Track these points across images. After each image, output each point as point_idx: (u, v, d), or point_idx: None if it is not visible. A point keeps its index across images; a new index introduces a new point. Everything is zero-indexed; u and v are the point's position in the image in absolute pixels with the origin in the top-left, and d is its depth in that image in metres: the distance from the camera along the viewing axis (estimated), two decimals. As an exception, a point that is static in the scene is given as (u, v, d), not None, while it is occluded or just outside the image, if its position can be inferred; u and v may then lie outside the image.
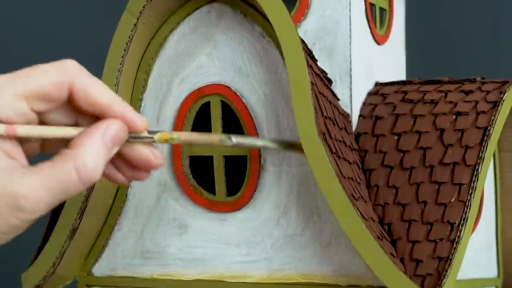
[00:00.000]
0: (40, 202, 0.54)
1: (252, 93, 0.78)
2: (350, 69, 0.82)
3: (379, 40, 0.89)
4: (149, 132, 0.59)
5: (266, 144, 0.67)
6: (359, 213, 0.71)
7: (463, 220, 0.74)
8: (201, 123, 0.80)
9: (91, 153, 0.55)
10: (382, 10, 0.91)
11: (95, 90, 0.57)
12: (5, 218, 0.53)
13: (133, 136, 0.58)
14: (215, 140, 0.62)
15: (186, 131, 0.65)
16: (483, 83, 0.84)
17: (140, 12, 0.78)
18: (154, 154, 0.59)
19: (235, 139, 0.63)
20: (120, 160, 0.59)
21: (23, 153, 0.56)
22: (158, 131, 0.59)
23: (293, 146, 0.70)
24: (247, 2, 0.77)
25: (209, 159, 0.79)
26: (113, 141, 0.56)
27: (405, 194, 0.77)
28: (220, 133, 0.63)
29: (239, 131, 0.78)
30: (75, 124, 0.58)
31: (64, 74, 0.56)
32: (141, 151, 0.59)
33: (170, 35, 0.81)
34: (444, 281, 0.72)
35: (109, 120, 0.57)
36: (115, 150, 0.57)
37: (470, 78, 0.85)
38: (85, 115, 0.58)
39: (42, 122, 0.57)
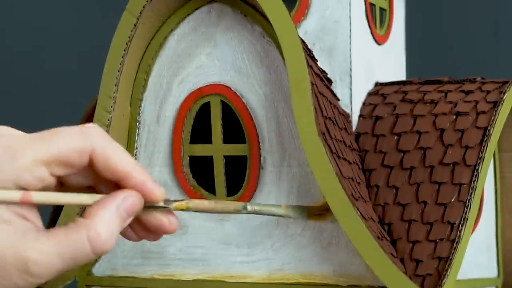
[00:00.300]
0: (49, 268, 0.54)
1: (252, 93, 0.78)
2: (350, 69, 0.82)
3: (379, 40, 0.89)
4: (166, 201, 0.59)
5: (284, 213, 0.67)
6: (359, 213, 0.71)
7: (463, 220, 0.74)
8: (201, 123, 0.80)
9: (105, 224, 0.55)
10: (382, 10, 0.91)
11: (115, 158, 0.56)
12: (12, 280, 0.53)
13: (149, 206, 0.58)
14: (230, 209, 0.62)
15: (202, 199, 0.65)
16: (483, 83, 0.84)
17: (140, 12, 0.78)
18: (170, 220, 0.59)
19: (250, 207, 0.63)
20: (134, 221, 0.59)
21: (39, 215, 0.56)
22: (174, 200, 0.60)
23: (312, 210, 0.70)
24: (247, 2, 0.77)
25: (209, 159, 0.79)
26: (128, 213, 0.56)
27: (405, 194, 0.77)
28: (236, 203, 0.63)
29: (239, 131, 0.78)
30: (94, 186, 0.58)
31: (86, 140, 0.55)
32: (156, 217, 0.59)
33: (170, 35, 0.81)
34: (444, 281, 0.72)
35: (126, 191, 0.56)
36: (129, 221, 0.57)
37: (470, 78, 0.85)
38: (104, 180, 0.57)
39: (60, 183, 0.57)
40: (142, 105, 0.82)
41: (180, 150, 0.80)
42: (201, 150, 0.80)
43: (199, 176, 0.81)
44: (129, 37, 0.78)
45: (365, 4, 0.85)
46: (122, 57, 0.78)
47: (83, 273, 0.84)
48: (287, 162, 0.77)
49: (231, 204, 0.62)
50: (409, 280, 0.71)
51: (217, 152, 0.79)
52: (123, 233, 0.59)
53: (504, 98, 0.80)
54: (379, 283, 0.73)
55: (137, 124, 0.82)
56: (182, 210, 0.60)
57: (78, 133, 0.55)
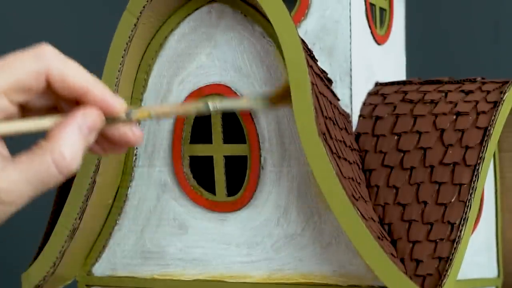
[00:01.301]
0: (20, 195, 0.54)
1: (253, 93, 0.78)
2: (350, 69, 0.82)
3: (379, 40, 0.89)
4: (127, 113, 0.59)
5: (247, 105, 0.65)
6: (359, 213, 0.71)
7: (464, 220, 0.74)
8: (202, 123, 0.80)
9: (68, 144, 0.55)
10: (382, 10, 0.91)
11: (71, 75, 0.56)
12: None
13: (111, 119, 0.58)
14: (191, 109, 0.62)
15: (164, 105, 0.65)
16: (483, 83, 0.84)
17: (140, 12, 0.77)
18: (133, 131, 0.59)
19: (212, 106, 0.61)
20: (99, 136, 0.59)
21: (3, 143, 0.56)
22: (135, 110, 0.60)
23: (274, 96, 0.66)
24: (247, 2, 0.77)
25: (210, 159, 0.79)
26: (90, 130, 0.57)
27: (405, 194, 0.77)
28: (197, 103, 0.63)
29: (240, 131, 0.78)
30: (56, 107, 0.58)
31: (40, 62, 0.55)
32: (120, 130, 0.59)
33: (170, 35, 0.81)
34: (444, 281, 0.72)
35: (85, 108, 0.57)
36: (92, 137, 0.57)
37: (470, 78, 0.85)
38: (65, 99, 0.58)
39: (22, 109, 0.57)
40: (142, 105, 0.82)
41: (180, 150, 0.80)
42: (201, 150, 0.80)
43: (199, 176, 0.81)
44: (129, 37, 0.78)
45: (365, 4, 0.85)
46: (122, 57, 0.78)
47: (83, 273, 0.84)
48: (287, 162, 0.77)
49: (193, 105, 0.62)
50: (410, 280, 0.71)
51: (217, 152, 0.79)
52: (90, 149, 0.59)
53: (504, 98, 0.80)
54: (379, 283, 0.73)
55: (138, 124, 0.82)
56: (144, 119, 0.60)
57: (31, 57, 0.55)
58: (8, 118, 0.56)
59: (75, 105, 0.57)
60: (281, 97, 0.63)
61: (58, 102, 0.58)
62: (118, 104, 0.58)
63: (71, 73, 0.56)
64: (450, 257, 0.73)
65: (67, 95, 0.56)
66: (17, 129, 0.56)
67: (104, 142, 0.59)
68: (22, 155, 0.55)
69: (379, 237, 0.73)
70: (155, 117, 0.60)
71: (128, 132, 0.59)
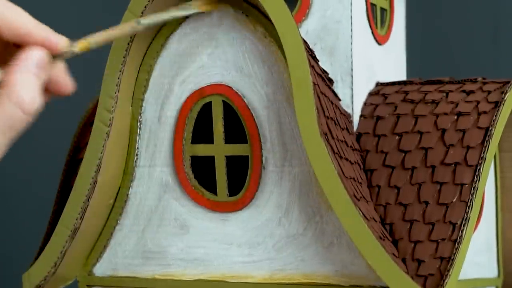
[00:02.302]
0: None
1: (254, 93, 0.78)
2: (351, 69, 0.82)
3: (380, 40, 0.89)
4: (70, 47, 0.60)
5: (174, 15, 0.67)
6: (361, 213, 0.71)
7: (465, 220, 0.75)
8: (203, 124, 0.80)
9: (24, 86, 0.56)
10: (383, 10, 0.91)
11: (13, 18, 0.57)
12: None
13: (55, 56, 0.59)
14: (127, 29, 0.63)
15: (101, 34, 0.66)
16: (484, 83, 0.84)
17: (142, 12, 0.77)
18: (65, 80, 0.60)
19: (143, 21, 0.64)
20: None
21: None
22: (75, 44, 0.60)
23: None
24: (249, 2, 0.77)
25: (211, 159, 0.79)
26: (40, 67, 0.58)
27: (406, 194, 0.77)
28: (129, 23, 0.64)
29: (241, 131, 0.78)
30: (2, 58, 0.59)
31: None
32: (54, 76, 0.59)
33: (172, 35, 0.81)
34: (446, 281, 0.72)
35: (31, 49, 0.57)
36: (43, 74, 0.58)
37: (471, 78, 0.85)
38: (7, 46, 0.58)
39: None
40: (144, 105, 0.82)
41: (181, 150, 0.80)
42: (202, 150, 0.80)
43: (200, 176, 0.81)
44: (130, 37, 0.78)
45: (366, 4, 0.86)
46: (124, 57, 0.78)
47: (84, 273, 0.84)
48: (289, 162, 0.77)
49: (126, 26, 0.63)
50: (411, 280, 0.71)
51: (219, 152, 0.79)
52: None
53: (505, 98, 0.80)
54: (381, 283, 0.73)
55: (139, 124, 0.82)
56: (86, 49, 0.61)
57: None
58: None
59: (16, 50, 0.58)
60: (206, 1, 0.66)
61: (7, 49, 0.58)
62: (62, 41, 0.59)
63: (13, 15, 0.57)
64: (452, 257, 0.73)
65: (10, 37, 0.57)
66: None
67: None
68: None
69: (380, 237, 0.73)
70: (95, 44, 0.62)
71: (61, 79, 0.60)
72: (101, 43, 0.63)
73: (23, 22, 0.58)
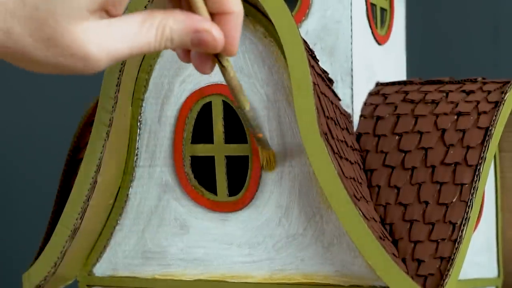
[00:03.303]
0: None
1: (254, 93, 0.78)
2: (351, 69, 0.82)
3: (380, 40, 0.89)
4: None
5: None
6: (361, 213, 0.71)
7: (465, 220, 0.75)
8: (203, 123, 0.80)
9: (176, 27, 0.55)
10: (383, 10, 0.91)
11: None
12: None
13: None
14: (241, 99, 0.64)
15: None
16: (484, 83, 0.84)
17: (142, 12, 0.77)
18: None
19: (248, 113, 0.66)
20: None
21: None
22: None
23: None
24: (249, 2, 0.77)
25: (211, 159, 0.79)
26: (200, 42, 0.56)
27: (406, 194, 0.77)
28: (246, 102, 0.65)
29: (241, 131, 0.78)
30: None
31: None
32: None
33: (172, 35, 0.81)
34: (446, 281, 0.72)
35: (215, 27, 0.56)
36: (193, 49, 0.57)
37: (471, 78, 0.85)
38: None
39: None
40: (144, 105, 0.82)
41: (181, 150, 0.80)
42: (202, 150, 0.80)
43: (200, 176, 0.81)
44: (130, 37, 0.78)
45: (366, 4, 0.85)
46: (124, 57, 0.78)
47: (84, 273, 0.84)
48: (289, 162, 0.77)
49: (242, 99, 0.65)
50: (411, 280, 0.71)
51: (219, 152, 0.79)
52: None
53: (505, 98, 0.80)
54: (381, 283, 0.73)
55: (139, 124, 0.82)
56: None
57: None
58: None
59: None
60: None
61: None
62: None
63: None
64: (452, 257, 0.73)
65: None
66: None
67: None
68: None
69: (380, 237, 0.73)
70: (226, 76, 0.62)
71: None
72: (228, 80, 0.63)
73: None
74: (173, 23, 0.55)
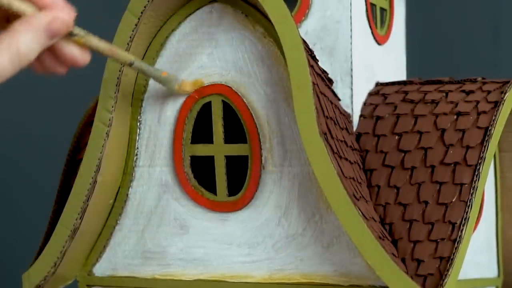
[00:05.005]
0: None
1: (254, 93, 0.78)
2: (351, 69, 0.82)
3: (380, 40, 0.89)
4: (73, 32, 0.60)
5: (160, 79, 0.68)
6: (360, 213, 0.71)
7: (465, 220, 0.75)
8: (203, 123, 0.80)
9: (26, 41, 0.54)
10: (382, 10, 0.91)
11: None
12: None
13: (71, 33, 0.59)
14: (120, 58, 0.63)
15: (103, 41, 0.66)
16: (484, 83, 0.84)
17: (141, 12, 0.78)
18: (83, 53, 0.59)
19: (137, 63, 0.67)
20: (46, 51, 0.58)
21: None
22: (80, 31, 0.60)
23: (184, 84, 0.73)
24: (248, 2, 0.77)
25: (211, 159, 0.79)
26: (52, 33, 0.56)
27: (406, 194, 0.77)
28: (127, 56, 0.65)
29: (241, 131, 0.78)
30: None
31: None
32: (70, 47, 0.58)
33: (171, 35, 0.81)
34: (445, 281, 0.72)
35: (56, 11, 0.56)
36: (52, 42, 0.56)
37: (471, 78, 0.85)
38: None
39: None
40: (143, 105, 0.82)
41: (181, 150, 0.80)
42: (202, 150, 0.80)
43: (200, 176, 0.81)
44: (130, 37, 0.78)
45: (366, 4, 0.86)
46: (123, 57, 0.78)
47: (84, 273, 0.85)
48: (289, 162, 0.77)
49: (122, 56, 0.64)
50: (411, 280, 0.71)
51: (218, 152, 0.79)
52: (30, 65, 0.58)
53: (505, 98, 0.80)
54: (380, 283, 0.73)
55: (138, 124, 0.82)
56: (82, 43, 0.60)
57: None
58: None
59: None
60: (189, 89, 0.67)
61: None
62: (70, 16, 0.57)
63: None
64: (451, 257, 0.73)
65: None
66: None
67: (48, 57, 0.58)
68: None
69: (380, 237, 0.73)
70: (87, 45, 0.61)
71: (77, 51, 0.58)
72: (92, 48, 0.62)
73: None
74: (21, 36, 0.53)
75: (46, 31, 0.55)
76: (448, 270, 0.72)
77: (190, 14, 0.80)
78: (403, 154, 0.79)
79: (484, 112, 0.79)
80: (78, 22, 0.63)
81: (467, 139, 0.78)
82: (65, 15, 0.55)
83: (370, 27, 0.87)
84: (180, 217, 0.81)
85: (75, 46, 0.58)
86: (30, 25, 0.54)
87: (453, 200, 0.76)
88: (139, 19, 0.78)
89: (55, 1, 0.56)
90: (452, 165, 0.77)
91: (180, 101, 0.80)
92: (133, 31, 0.78)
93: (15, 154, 1.40)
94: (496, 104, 0.80)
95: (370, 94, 0.86)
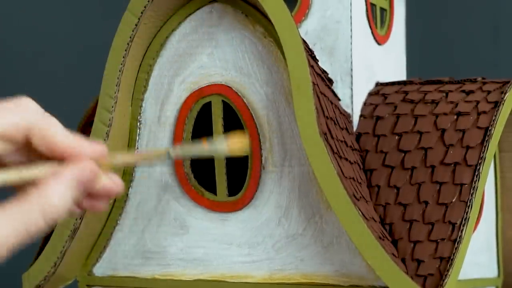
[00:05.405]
0: (7, 245, 0.51)
1: (254, 93, 0.78)
2: (351, 69, 0.82)
3: (380, 40, 0.89)
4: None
5: (208, 151, 0.64)
6: (360, 213, 0.71)
7: (465, 220, 0.75)
8: (203, 123, 0.80)
9: (57, 196, 0.53)
10: (382, 10, 0.91)
11: (54, 133, 0.54)
12: None
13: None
14: (153, 157, 0.61)
15: (129, 154, 0.63)
16: (484, 83, 0.84)
17: (142, 12, 0.78)
18: (114, 181, 0.58)
19: (173, 152, 0.61)
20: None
21: None
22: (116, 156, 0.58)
23: (232, 141, 0.66)
24: (248, 2, 0.77)
25: (211, 159, 0.79)
26: (80, 183, 0.55)
27: (406, 194, 0.77)
28: (159, 151, 0.62)
29: (241, 131, 0.78)
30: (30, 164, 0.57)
31: (21, 115, 0.53)
32: (101, 183, 0.57)
33: (171, 35, 0.81)
34: (445, 281, 0.72)
35: (80, 162, 0.55)
36: (81, 192, 0.55)
37: (471, 78, 0.85)
38: (41, 157, 0.55)
39: (1, 164, 0.56)
40: (143, 105, 0.82)
41: (181, 150, 0.80)
42: (202, 150, 0.79)
43: (200, 176, 0.81)
44: (130, 37, 0.78)
45: (366, 4, 0.85)
46: (123, 57, 0.78)
47: (84, 273, 0.84)
48: (288, 162, 0.77)
49: (155, 153, 0.61)
50: (411, 280, 0.71)
51: (218, 152, 0.79)
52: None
53: (505, 98, 0.80)
54: (380, 283, 0.73)
55: (138, 124, 0.82)
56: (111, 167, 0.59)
57: (13, 108, 0.53)
58: None
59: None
60: (238, 145, 0.64)
61: (33, 159, 0.55)
62: (102, 153, 0.56)
63: (53, 130, 0.54)
64: (451, 257, 0.73)
65: (45, 151, 0.54)
66: (6, 178, 0.54)
67: (83, 201, 0.58)
68: (9, 203, 0.52)
69: (380, 237, 0.73)
70: (120, 165, 0.59)
71: (110, 183, 0.57)
72: (125, 165, 0.60)
73: (62, 138, 0.54)
74: (52, 190, 0.52)
75: (77, 182, 0.54)
76: (448, 270, 0.72)
77: (190, 14, 0.80)
78: (403, 154, 0.79)
79: (484, 112, 0.79)
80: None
81: (467, 139, 0.78)
82: (93, 164, 0.55)
83: (370, 27, 0.87)
84: (180, 217, 0.81)
85: (105, 177, 0.57)
86: (61, 179, 0.54)
87: (453, 200, 0.76)
88: (139, 19, 0.78)
89: (82, 148, 0.55)
90: (452, 165, 0.77)
91: (180, 101, 0.80)
92: (133, 31, 0.78)
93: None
94: (496, 104, 0.80)
95: (370, 94, 0.86)
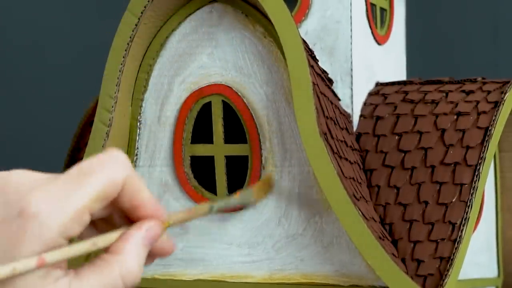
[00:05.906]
0: None
1: (254, 93, 0.78)
2: (351, 69, 0.82)
3: (380, 40, 0.89)
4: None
5: (239, 202, 0.64)
6: (360, 213, 0.71)
7: (465, 220, 0.75)
8: (203, 123, 0.80)
9: (134, 258, 0.52)
10: (382, 10, 0.91)
11: (141, 186, 0.53)
12: None
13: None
14: (201, 213, 0.61)
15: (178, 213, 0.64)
16: (484, 83, 0.84)
17: (142, 12, 0.77)
18: (170, 243, 0.57)
19: (216, 207, 0.61)
20: None
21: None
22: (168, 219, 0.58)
23: (257, 190, 0.66)
24: (248, 2, 0.77)
25: (211, 159, 0.79)
26: (151, 243, 0.55)
27: (406, 194, 0.77)
28: (204, 207, 0.62)
29: (241, 131, 0.78)
30: (107, 218, 0.55)
31: (121, 172, 0.52)
32: (161, 240, 0.57)
33: (171, 35, 0.81)
34: (445, 281, 0.72)
35: (149, 221, 0.55)
36: (151, 246, 0.55)
37: (471, 78, 0.85)
38: (118, 210, 0.54)
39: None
40: (143, 105, 0.82)
41: (181, 150, 0.80)
42: (202, 150, 0.80)
43: (200, 176, 0.81)
44: (130, 37, 0.78)
45: (366, 4, 0.86)
46: (123, 57, 0.78)
47: (84, 273, 0.84)
48: (289, 162, 0.77)
49: (201, 209, 0.61)
50: (411, 280, 0.71)
51: (219, 152, 0.79)
52: None
53: (505, 98, 0.80)
54: (380, 283, 0.73)
55: (138, 124, 0.82)
56: (168, 225, 0.59)
57: (109, 161, 0.52)
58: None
59: (125, 218, 0.54)
60: (263, 190, 0.63)
61: (112, 213, 0.54)
62: (166, 216, 0.56)
63: (142, 186, 0.53)
64: (451, 257, 0.73)
65: (126, 206, 0.53)
66: (68, 256, 0.52)
67: None
68: (84, 270, 0.51)
69: (380, 237, 0.73)
70: (174, 224, 0.59)
71: (165, 242, 0.57)
72: (178, 223, 0.60)
73: (146, 195, 0.53)
74: (127, 255, 0.52)
75: (149, 243, 0.54)
76: (448, 270, 0.72)
77: (190, 14, 0.80)
78: (403, 154, 0.79)
79: (484, 112, 0.79)
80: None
81: (467, 139, 0.78)
82: (157, 224, 0.55)
83: (370, 27, 0.87)
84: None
85: (164, 236, 0.57)
86: (136, 242, 0.53)
87: (453, 200, 0.76)
88: (139, 19, 0.78)
89: (153, 211, 0.55)
90: (452, 165, 0.77)
91: (180, 101, 0.80)
92: (133, 31, 0.78)
93: (15, 154, 1.40)
94: (496, 104, 0.80)
95: (370, 94, 0.86)
